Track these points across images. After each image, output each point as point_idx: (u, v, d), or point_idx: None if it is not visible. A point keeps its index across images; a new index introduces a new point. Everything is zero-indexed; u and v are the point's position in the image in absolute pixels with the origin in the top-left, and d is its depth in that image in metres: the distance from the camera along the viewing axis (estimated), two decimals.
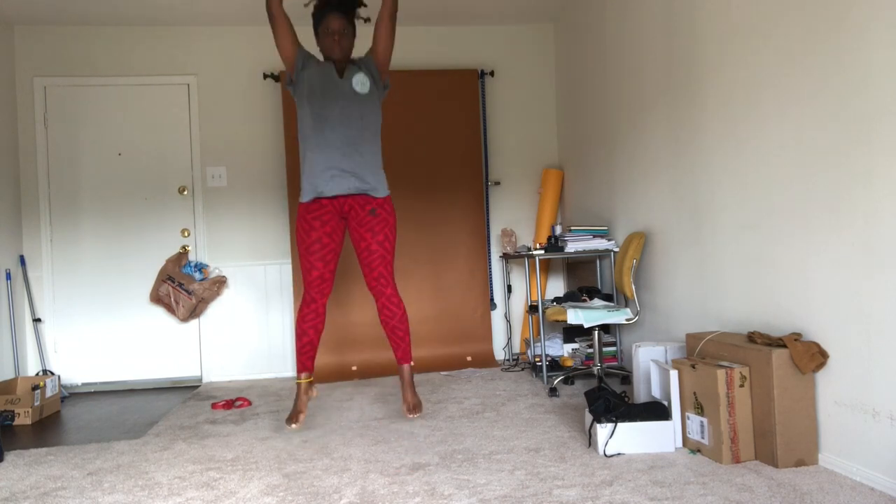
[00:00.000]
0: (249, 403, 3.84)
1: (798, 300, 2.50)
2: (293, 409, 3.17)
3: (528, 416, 3.25)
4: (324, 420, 3.38)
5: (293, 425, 3.07)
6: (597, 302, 3.86)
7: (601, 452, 2.60)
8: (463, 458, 2.66)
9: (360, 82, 3.05)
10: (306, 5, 3.10)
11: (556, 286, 5.13)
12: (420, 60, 5.01)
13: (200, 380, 4.74)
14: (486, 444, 2.83)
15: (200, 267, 4.70)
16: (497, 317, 5.05)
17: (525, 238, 5.12)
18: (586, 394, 2.83)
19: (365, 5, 3.16)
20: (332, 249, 3.09)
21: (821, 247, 2.37)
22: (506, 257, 4.84)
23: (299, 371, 3.18)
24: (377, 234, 3.10)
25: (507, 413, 3.34)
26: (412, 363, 3.28)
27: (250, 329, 4.80)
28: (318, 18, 3.05)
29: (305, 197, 3.09)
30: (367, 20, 3.12)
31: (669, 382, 2.69)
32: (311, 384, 3.20)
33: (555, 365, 4.21)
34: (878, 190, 2.12)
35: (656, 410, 2.66)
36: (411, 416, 3.14)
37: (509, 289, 5.06)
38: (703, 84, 3.09)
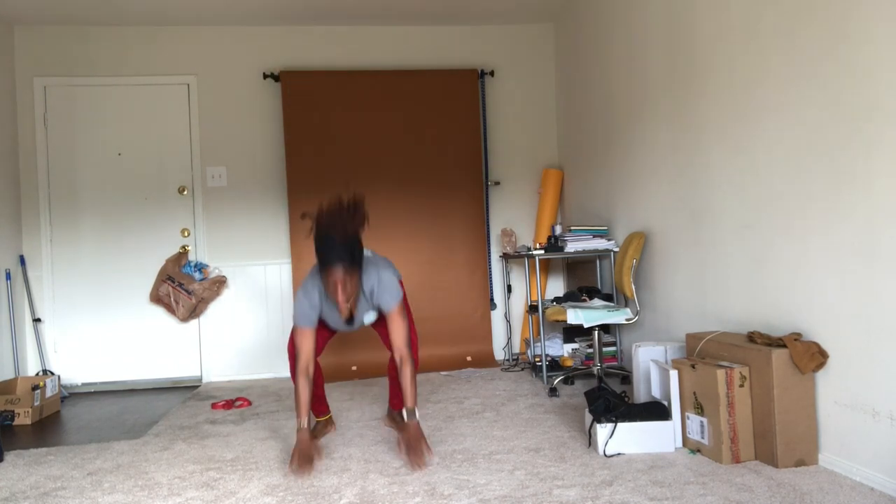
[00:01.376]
0: (249, 403, 3.84)
1: (798, 300, 2.50)
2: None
3: (528, 416, 3.25)
4: None
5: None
6: (597, 302, 3.86)
7: (601, 452, 2.60)
8: (463, 458, 2.66)
9: (369, 317, 2.85)
10: (308, 236, 2.78)
11: (556, 286, 5.13)
12: (420, 60, 5.01)
13: (200, 380, 4.74)
14: (486, 444, 2.83)
15: (200, 267, 4.70)
16: (497, 317, 5.05)
17: (525, 238, 5.12)
18: (586, 394, 2.83)
19: (364, 228, 2.62)
20: (326, 337, 2.96)
21: (821, 247, 2.37)
22: (506, 257, 4.84)
23: (317, 413, 3.04)
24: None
25: (507, 413, 3.34)
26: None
27: (250, 329, 4.80)
28: (319, 258, 2.58)
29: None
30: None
31: (669, 382, 2.69)
32: (328, 421, 3.09)
33: (555, 365, 4.21)
34: (877, 190, 2.12)
35: (656, 410, 2.66)
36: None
37: (509, 289, 5.06)
38: (702, 84, 3.09)
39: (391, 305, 2.69)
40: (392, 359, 2.87)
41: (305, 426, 2.61)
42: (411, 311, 3.11)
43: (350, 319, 2.80)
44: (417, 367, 3.02)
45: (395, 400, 3.12)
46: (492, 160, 5.09)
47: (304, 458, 2.53)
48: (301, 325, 2.67)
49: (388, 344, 2.84)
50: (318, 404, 3.05)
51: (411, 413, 2.66)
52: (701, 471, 2.39)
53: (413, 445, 2.57)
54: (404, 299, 2.80)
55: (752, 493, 2.16)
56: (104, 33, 4.72)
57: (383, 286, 2.69)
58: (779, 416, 2.37)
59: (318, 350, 2.90)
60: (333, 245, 2.48)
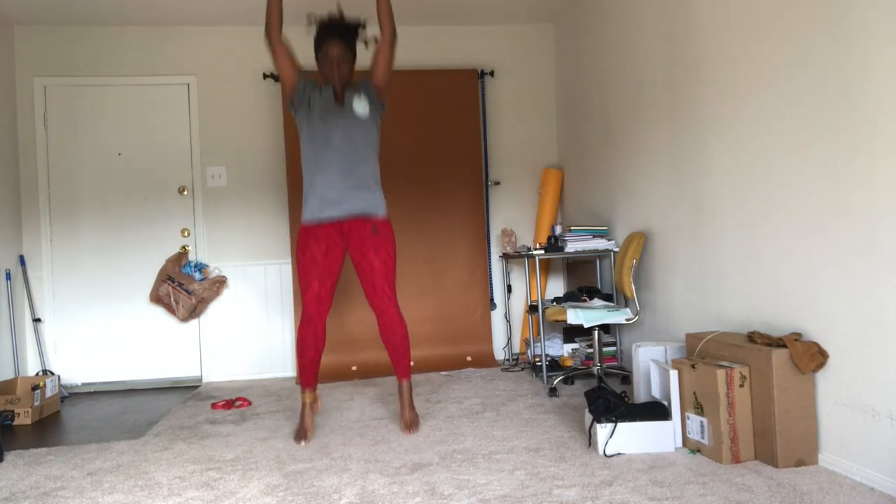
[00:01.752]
0: (249, 403, 3.84)
1: (798, 300, 2.50)
2: (300, 425, 3.09)
3: (528, 416, 3.25)
4: (324, 420, 3.37)
5: (302, 442, 3.00)
6: (597, 302, 3.86)
7: (601, 452, 2.60)
8: (463, 458, 2.66)
9: (361, 106, 3.08)
10: (308, 34, 3.11)
11: (556, 286, 5.13)
12: (420, 60, 5.01)
13: (200, 380, 4.74)
14: (486, 444, 2.83)
15: (200, 267, 4.70)
16: (497, 317, 5.05)
17: (525, 238, 5.12)
18: (586, 394, 2.83)
19: (364, 27, 3.14)
20: (326, 269, 3.05)
21: (821, 247, 2.37)
22: (506, 257, 4.84)
23: (303, 387, 3.12)
24: (379, 251, 3.05)
25: (507, 413, 3.34)
26: (411, 378, 3.24)
27: (250, 329, 4.80)
28: (319, 44, 3.06)
29: (306, 219, 3.06)
30: (375, 41, 3.12)
31: (669, 382, 2.69)
32: (315, 399, 3.17)
33: (555, 365, 4.21)
34: (878, 190, 2.12)
35: (656, 410, 2.66)
36: (409, 433, 3.07)
37: (509, 289, 5.06)
38: (702, 83, 3.09)
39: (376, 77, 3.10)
40: (379, 324, 3.13)
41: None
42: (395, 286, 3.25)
43: (342, 99, 3.08)
44: (404, 327, 3.19)
45: (399, 369, 3.19)
46: (492, 160, 5.09)
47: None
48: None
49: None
50: (310, 375, 3.14)
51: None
52: (701, 471, 2.39)
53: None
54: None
55: (752, 493, 2.17)
56: (104, 33, 4.72)
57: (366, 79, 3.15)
58: (779, 416, 2.37)
59: (324, 299, 3.06)
60: (334, 25, 3.01)
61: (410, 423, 3.10)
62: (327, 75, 3.05)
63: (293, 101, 3.12)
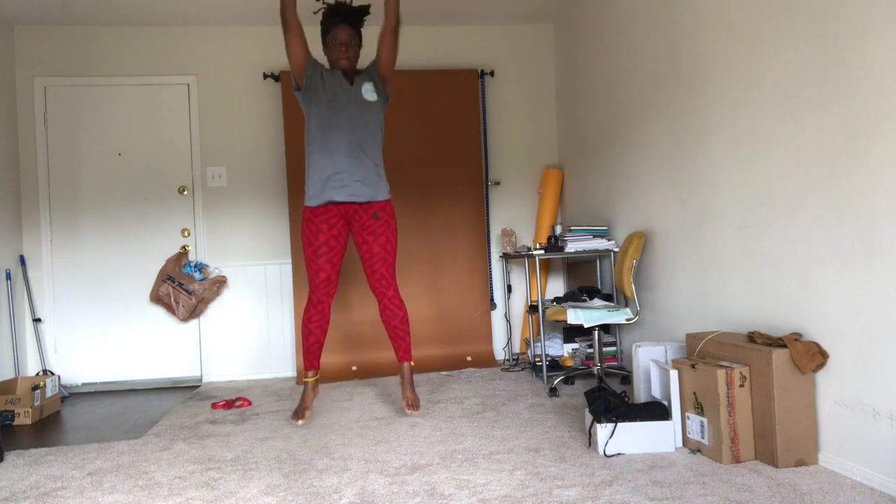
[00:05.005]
0: (249, 403, 3.84)
1: (798, 300, 2.50)
2: (300, 404, 3.26)
3: (528, 416, 3.25)
4: (324, 420, 3.38)
5: (299, 421, 3.17)
6: (597, 302, 3.86)
7: (601, 452, 2.60)
8: (463, 458, 2.66)
9: (368, 90, 3.17)
10: (315, 13, 3.18)
11: (556, 286, 5.13)
12: (420, 60, 5.01)
13: (200, 380, 4.74)
14: (486, 444, 2.83)
15: (200, 267, 4.70)
16: (497, 317, 5.05)
17: (525, 238, 5.12)
18: (586, 394, 2.83)
19: (369, 11, 3.22)
20: (338, 252, 3.18)
21: (821, 247, 2.37)
22: (506, 257, 4.84)
23: (306, 369, 3.26)
24: (379, 236, 3.18)
25: (507, 413, 3.34)
26: (412, 362, 3.35)
27: (250, 329, 4.80)
28: (326, 29, 3.15)
29: (312, 202, 3.16)
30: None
31: (669, 382, 2.69)
32: (316, 382, 3.30)
33: (555, 365, 4.21)
34: (877, 189, 2.12)
35: (656, 410, 2.66)
36: (410, 412, 3.20)
37: (509, 289, 5.06)
38: (702, 83, 3.09)
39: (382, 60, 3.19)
40: (380, 308, 3.26)
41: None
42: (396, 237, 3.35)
43: (350, 84, 3.14)
44: (404, 309, 3.33)
45: (399, 352, 3.34)
46: (492, 160, 5.09)
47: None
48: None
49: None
50: (314, 358, 3.28)
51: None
52: (701, 471, 2.39)
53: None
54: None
55: (752, 493, 2.17)
56: (104, 33, 4.72)
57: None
58: (779, 416, 2.37)
59: (334, 282, 3.19)
60: (342, 10, 3.08)
61: (412, 402, 3.24)
62: (335, 59, 3.14)
63: (300, 86, 3.16)
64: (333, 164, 3.09)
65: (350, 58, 3.14)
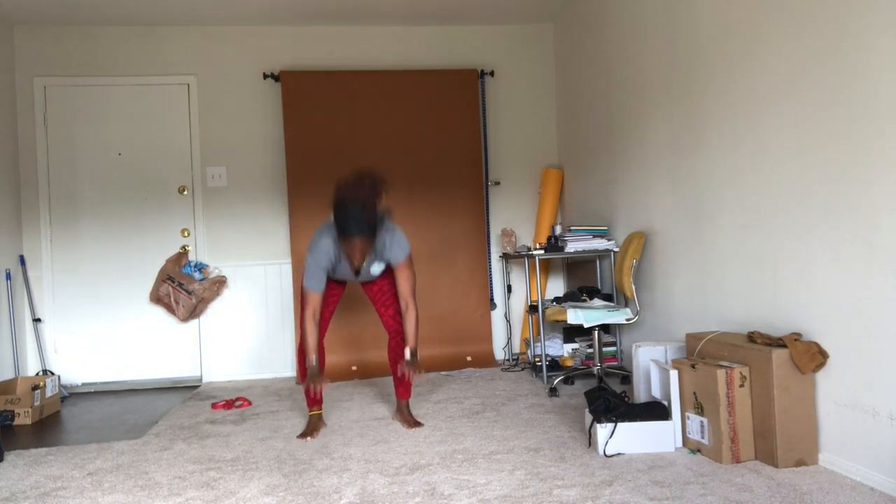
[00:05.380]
0: (249, 403, 3.84)
1: (798, 300, 2.50)
2: (307, 428, 3.15)
3: (528, 416, 3.25)
4: (324, 420, 3.37)
5: (308, 438, 3.06)
6: (597, 302, 3.86)
7: (601, 452, 2.60)
8: (463, 458, 2.66)
9: (376, 266, 3.05)
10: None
11: (556, 286, 5.13)
12: (420, 60, 5.01)
13: (200, 380, 4.73)
14: (486, 444, 2.83)
15: (200, 267, 4.70)
16: (497, 317, 5.05)
17: (525, 238, 5.12)
18: (586, 394, 2.83)
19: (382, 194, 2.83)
20: (334, 301, 3.21)
21: (821, 247, 2.37)
22: (506, 257, 4.84)
23: (311, 405, 3.21)
24: (390, 280, 3.22)
25: (507, 413, 3.34)
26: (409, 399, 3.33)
27: (250, 329, 4.79)
28: (340, 229, 2.74)
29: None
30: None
31: (669, 382, 2.69)
32: (319, 418, 3.22)
33: (555, 365, 4.21)
34: (877, 189, 2.12)
35: (656, 410, 2.66)
36: (411, 429, 3.15)
37: (509, 289, 5.06)
38: (703, 83, 3.09)
39: (401, 258, 2.98)
40: (391, 345, 3.22)
41: (314, 363, 2.93)
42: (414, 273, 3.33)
43: (357, 271, 2.98)
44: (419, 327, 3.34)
45: (401, 389, 3.27)
46: (492, 160, 5.09)
47: (315, 381, 2.88)
48: (312, 290, 2.94)
49: (386, 321, 3.20)
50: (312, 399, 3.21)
51: (413, 353, 3.01)
52: (701, 471, 2.39)
53: (409, 370, 2.93)
54: (410, 258, 3.06)
55: (752, 493, 2.17)
56: (104, 33, 4.72)
57: (395, 242, 2.96)
58: (779, 416, 2.37)
59: (325, 322, 3.16)
60: (355, 216, 2.66)
61: (412, 423, 3.19)
62: (347, 255, 2.81)
63: None
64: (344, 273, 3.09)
65: (364, 254, 2.79)
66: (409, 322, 3.03)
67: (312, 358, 2.94)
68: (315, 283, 2.93)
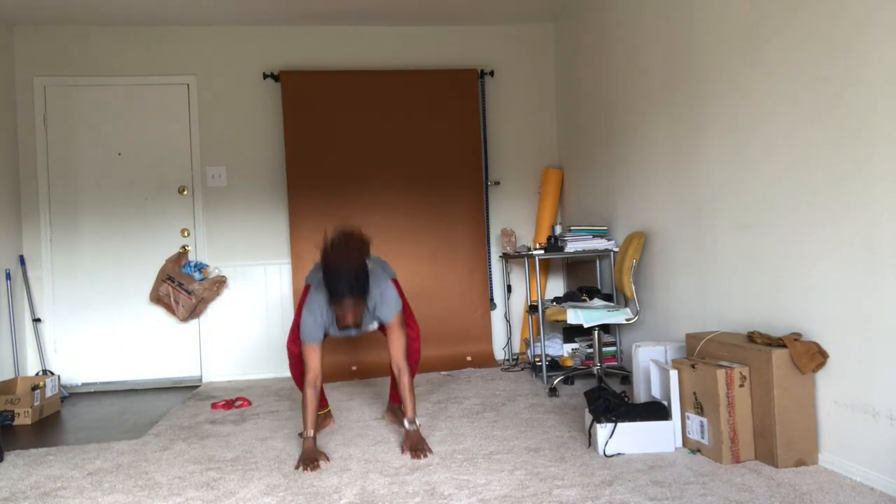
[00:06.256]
0: (249, 403, 3.84)
1: (798, 300, 2.50)
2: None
3: (528, 416, 3.25)
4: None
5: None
6: (597, 302, 3.86)
7: (601, 452, 2.60)
8: (463, 458, 2.66)
9: (370, 326, 2.96)
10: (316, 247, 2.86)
11: (556, 286, 5.13)
12: (420, 60, 5.01)
13: (200, 380, 4.73)
14: (486, 444, 2.83)
15: (200, 267, 4.70)
16: (497, 317, 5.05)
17: (525, 238, 5.12)
18: (586, 394, 2.83)
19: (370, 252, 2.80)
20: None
21: (821, 247, 2.37)
22: (506, 257, 4.84)
23: (307, 427, 2.79)
24: (390, 338, 2.91)
25: (507, 413, 3.34)
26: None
27: (250, 329, 4.79)
28: (329, 291, 2.65)
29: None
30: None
31: (669, 382, 2.69)
32: (327, 415, 3.17)
33: (555, 365, 4.21)
34: (877, 189, 2.12)
35: (656, 410, 2.66)
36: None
37: (509, 289, 5.06)
38: (702, 83, 3.09)
39: (390, 317, 2.85)
40: (392, 377, 3.06)
41: (311, 436, 2.73)
42: (412, 311, 3.17)
43: (356, 326, 2.79)
44: (416, 370, 3.14)
45: (395, 392, 3.20)
46: (492, 160, 5.09)
47: (309, 462, 2.65)
48: (309, 343, 2.79)
49: (389, 344, 2.96)
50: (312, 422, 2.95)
51: (411, 422, 2.84)
52: (701, 471, 2.39)
53: (415, 447, 2.75)
54: (404, 306, 2.94)
55: (752, 493, 2.17)
56: (104, 33, 4.72)
57: (384, 301, 2.83)
58: (779, 416, 2.37)
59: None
60: (344, 279, 2.57)
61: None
62: (339, 320, 2.71)
63: None
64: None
65: (356, 317, 2.69)
66: (404, 387, 2.81)
67: (310, 432, 2.70)
68: (313, 335, 2.76)
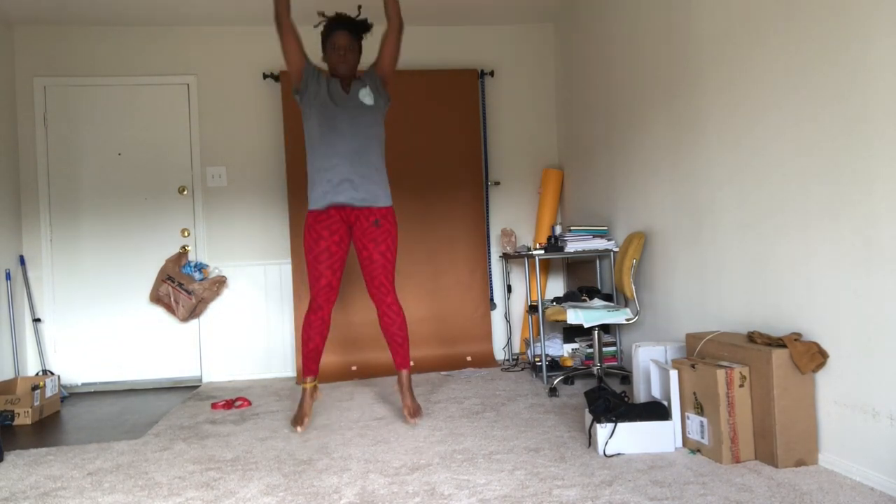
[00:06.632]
0: (249, 403, 3.84)
1: (798, 300, 2.50)
2: (298, 411, 3.24)
3: (528, 416, 3.25)
4: (324, 420, 3.38)
5: (298, 428, 3.15)
6: (597, 302, 3.86)
7: (601, 452, 2.60)
8: (463, 458, 2.66)
9: (366, 94, 3.17)
10: (316, 26, 3.23)
11: (556, 286, 5.13)
12: (420, 60, 5.01)
13: (200, 380, 4.74)
14: (486, 444, 2.83)
15: (200, 267, 4.70)
16: (497, 317, 5.05)
17: (525, 238, 5.12)
18: (586, 394, 2.83)
19: (370, 28, 3.22)
20: (340, 258, 3.18)
21: (821, 246, 2.37)
22: (506, 257, 4.84)
23: (305, 374, 3.24)
24: (379, 244, 3.17)
25: (507, 413, 3.34)
26: (410, 367, 3.36)
27: (250, 329, 4.80)
28: (326, 35, 3.16)
29: (314, 205, 3.15)
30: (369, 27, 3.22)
31: (669, 382, 2.69)
32: (315, 387, 3.28)
33: (555, 365, 4.21)
34: (877, 189, 2.12)
35: (656, 410, 2.66)
36: (412, 420, 3.16)
37: (509, 289, 5.06)
38: (702, 83, 3.09)
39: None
40: (380, 316, 3.24)
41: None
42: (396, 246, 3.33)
43: (347, 91, 3.14)
44: (402, 316, 3.32)
45: (398, 359, 3.30)
46: (492, 160, 5.09)
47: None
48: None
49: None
50: (313, 363, 3.26)
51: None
52: (701, 471, 2.39)
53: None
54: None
55: (752, 493, 2.17)
56: (104, 33, 4.72)
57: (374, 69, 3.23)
58: (779, 416, 2.37)
59: (335, 288, 3.19)
60: (343, 18, 3.11)
61: (413, 410, 3.20)
62: (334, 65, 3.14)
63: (298, 88, 3.17)
64: (334, 169, 3.08)
65: (348, 62, 3.13)
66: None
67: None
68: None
